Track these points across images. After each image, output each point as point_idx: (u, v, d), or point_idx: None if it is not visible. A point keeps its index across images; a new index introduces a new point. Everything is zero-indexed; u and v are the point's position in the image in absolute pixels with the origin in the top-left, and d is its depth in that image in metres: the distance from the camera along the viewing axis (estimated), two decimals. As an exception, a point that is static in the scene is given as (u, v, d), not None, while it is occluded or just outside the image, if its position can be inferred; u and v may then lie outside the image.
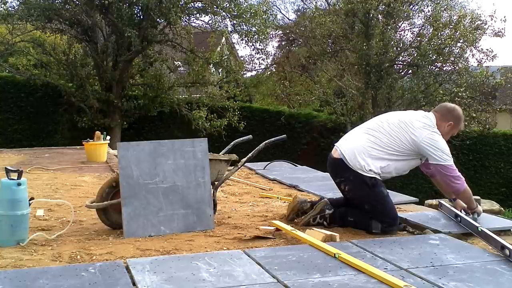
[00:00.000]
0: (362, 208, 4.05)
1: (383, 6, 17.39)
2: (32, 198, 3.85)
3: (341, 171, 4.09)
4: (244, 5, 15.98)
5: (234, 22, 16.26)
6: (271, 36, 19.75)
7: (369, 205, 3.99)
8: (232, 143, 4.92)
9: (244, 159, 4.59)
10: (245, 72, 20.62)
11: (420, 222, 4.07)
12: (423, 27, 18.78)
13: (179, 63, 18.27)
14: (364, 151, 3.98)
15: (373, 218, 3.96)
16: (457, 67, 17.73)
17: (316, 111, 20.33)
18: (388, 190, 4.12)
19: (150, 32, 15.27)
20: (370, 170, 3.95)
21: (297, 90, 21.34)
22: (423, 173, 4.38)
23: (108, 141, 9.78)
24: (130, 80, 17.22)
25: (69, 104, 16.37)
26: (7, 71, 17.42)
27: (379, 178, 3.99)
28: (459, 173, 3.96)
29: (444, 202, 4.41)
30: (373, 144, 4.00)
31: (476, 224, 3.76)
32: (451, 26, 17.33)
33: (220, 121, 16.35)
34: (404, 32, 19.80)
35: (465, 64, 17.73)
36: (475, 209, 4.12)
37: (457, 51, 17.64)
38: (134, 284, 2.77)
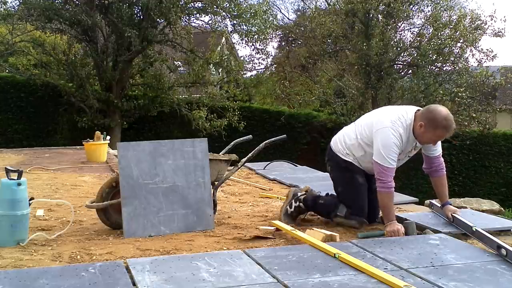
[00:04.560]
0: (336, 192, 4.24)
1: (383, 6, 17.41)
2: (32, 198, 3.85)
3: (327, 154, 4.33)
4: (244, 5, 15.99)
5: (234, 22, 16.26)
6: (271, 36, 19.71)
7: (341, 188, 4.19)
8: (232, 143, 4.92)
9: (244, 159, 4.59)
10: (245, 72, 20.62)
11: (420, 222, 4.06)
12: (423, 27, 18.79)
13: (179, 63, 18.26)
14: (344, 137, 4.19)
15: (342, 202, 4.11)
16: (457, 67, 17.74)
17: (316, 111, 20.32)
18: None
19: (150, 32, 15.26)
20: (347, 154, 4.12)
21: (297, 90, 21.33)
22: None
23: (108, 141, 9.78)
24: (130, 80, 17.22)
25: (69, 104, 16.37)
26: (7, 71, 17.41)
27: (357, 165, 4.09)
28: (389, 179, 3.79)
29: (435, 202, 4.40)
30: (352, 133, 4.15)
31: (470, 224, 3.74)
32: (451, 26, 17.35)
33: (220, 121, 16.33)
34: (404, 32, 19.84)
35: (465, 64, 17.75)
36: (388, 224, 3.80)
37: (457, 51, 17.65)
38: (134, 284, 2.77)
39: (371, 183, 4.12)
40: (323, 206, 4.25)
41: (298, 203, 4.28)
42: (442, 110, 3.83)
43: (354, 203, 4.08)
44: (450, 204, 4.18)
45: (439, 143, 4.06)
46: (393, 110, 4.04)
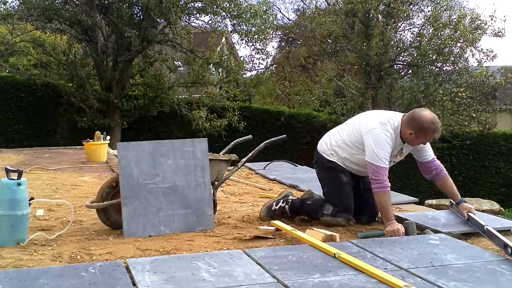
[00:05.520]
0: (323, 193, 4.32)
1: (383, 6, 17.41)
2: (32, 198, 3.85)
3: (314, 156, 4.41)
4: (244, 5, 15.99)
5: (234, 22, 16.26)
6: (271, 36, 19.71)
7: (327, 188, 4.26)
8: (232, 143, 4.92)
9: (244, 159, 4.60)
10: (245, 72, 20.62)
11: (420, 222, 4.06)
12: (423, 27, 18.78)
13: (179, 63, 18.26)
14: (329, 138, 4.27)
15: (328, 202, 4.17)
16: (457, 67, 17.74)
17: (316, 111, 20.31)
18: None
19: (150, 32, 15.26)
20: (331, 154, 4.20)
21: (297, 90, 21.34)
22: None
23: (108, 141, 9.78)
24: (130, 80, 17.21)
25: (69, 104, 16.37)
26: (7, 71, 17.41)
27: (340, 165, 4.16)
28: (383, 178, 3.83)
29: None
30: (338, 134, 4.23)
31: (483, 223, 3.79)
32: (451, 26, 17.35)
33: (220, 121, 16.32)
34: (404, 32, 19.84)
35: (465, 64, 17.75)
36: (388, 224, 3.80)
37: (457, 51, 17.65)
38: (134, 284, 2.77)
39: (365, 183, 4.16)
40: (310, 206, 4.31)
41: (285, 204, 4.37)
42: (427, 115, 3.91)
43: (340, 202, 4.13)
44: (465, 202, 4.19)
45: (429, 148, 4.14)
46: (381, 113, 4.15)
